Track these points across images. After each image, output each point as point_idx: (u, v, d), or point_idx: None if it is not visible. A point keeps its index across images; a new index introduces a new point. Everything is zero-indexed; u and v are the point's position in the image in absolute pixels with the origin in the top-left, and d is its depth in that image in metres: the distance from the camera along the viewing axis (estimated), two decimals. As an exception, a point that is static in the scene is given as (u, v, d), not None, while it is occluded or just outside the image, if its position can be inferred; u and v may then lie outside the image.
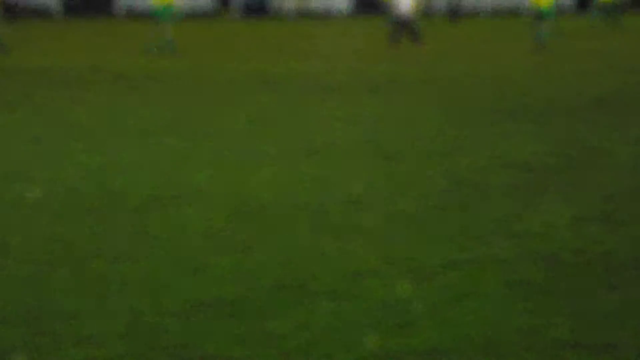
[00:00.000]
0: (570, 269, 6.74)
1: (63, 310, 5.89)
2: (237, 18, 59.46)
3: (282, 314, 5.85)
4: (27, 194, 8.97)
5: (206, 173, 9.95)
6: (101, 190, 9.17)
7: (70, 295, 6.17)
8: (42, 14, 53.32)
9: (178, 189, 9.26)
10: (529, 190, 9.17)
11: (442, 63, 24.29)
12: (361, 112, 14.77)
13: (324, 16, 58.04)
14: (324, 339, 5.37)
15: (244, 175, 9.88)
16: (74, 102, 16.10)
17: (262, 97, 16.70)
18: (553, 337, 5.38)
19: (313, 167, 10.35)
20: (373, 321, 5.74)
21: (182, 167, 10.37)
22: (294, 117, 14.23)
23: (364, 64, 24.02)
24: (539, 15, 27.83)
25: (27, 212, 8.40)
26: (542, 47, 26.96)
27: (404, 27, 27.65)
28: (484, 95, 16.88)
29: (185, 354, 5.11)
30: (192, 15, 55.51)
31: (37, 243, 7.39)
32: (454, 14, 47.28)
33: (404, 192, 9.13)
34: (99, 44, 32.14)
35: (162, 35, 26.02)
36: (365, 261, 6.92)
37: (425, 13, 49.79)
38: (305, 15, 51.06)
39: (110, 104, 15.93)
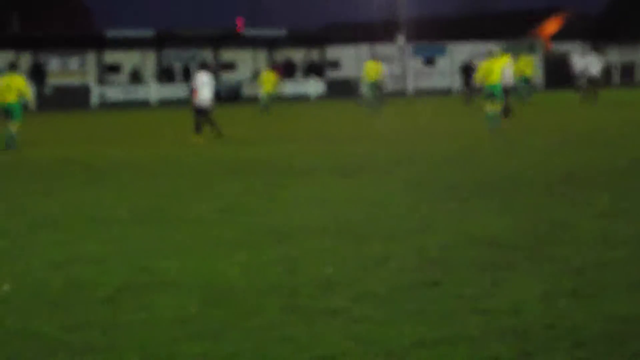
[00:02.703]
0: (540, 345, 6.76)
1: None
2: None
3: (252, 400, 5.83)
4: (-5, 289, 8.93)
5: (176, 260, 9.95)
6: (70, 282, 9.14)
7: (39, 389, 6.13)
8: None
9: (148, 277, 9.25)
10: (498, 266, 9.21)
11: (407, 143, 24.46)
12: (331, 194, 14.84)
13: (298, 100, 58.52)
14: (294, 423, 5.35)
15: (214, 262, 9.88)
16: (44, 194, 16.10)
17: (233, 184, 16.76)
18: (522, 413, 5.39)
19: (283, 251, 10.36)
20: (343, 404, 5.73)
21: (151, 255, 10.36)
22: (264, 202, 14.27)
23: (334, 146, 24.18)
24: (489, 95, 26.96)
25: (-4, 307, 8.36)
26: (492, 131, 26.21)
27: (202, 117, 27.67)
28: (450, 174, 17.00)
29: None
30: (169, 103, 55.72)
31: (6, 339, 7.34)
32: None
33: (374, 273, 9.15)
34: (71, 136, 32.24)
35: (7, 130, 25.95)
36: (336, 344, 6.91)
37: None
38: (279, 100, 51.31)
39: (79, 194, 15.93)
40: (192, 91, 28.21)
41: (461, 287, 8.46)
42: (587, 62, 42.59)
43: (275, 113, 43.08)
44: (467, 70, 47.84)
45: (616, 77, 72.49)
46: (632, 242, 10.14)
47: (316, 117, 41.09)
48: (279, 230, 11.68)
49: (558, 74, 50.71)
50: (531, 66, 45.64)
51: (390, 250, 10.17)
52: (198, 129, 27.56)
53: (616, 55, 76.82)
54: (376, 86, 42.22)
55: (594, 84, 41.75)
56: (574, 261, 9.33)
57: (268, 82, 44.63)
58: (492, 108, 26.78)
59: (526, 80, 45.10)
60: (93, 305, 8.26)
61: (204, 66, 28.97)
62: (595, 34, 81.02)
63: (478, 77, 27.36)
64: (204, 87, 27.62)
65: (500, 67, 27.07)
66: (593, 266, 9.09)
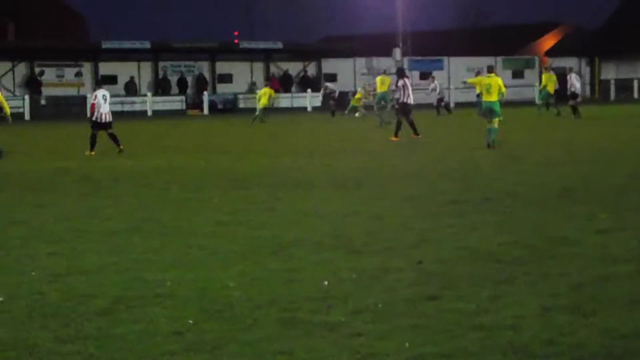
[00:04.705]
0: (540, 361, 6.70)
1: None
2: (207, 116, 59.79)
3: (249, 415, 5.75)
4: (-11, 299, 8.85)
5: (173, 272, 9.88)
6: (66, 294, 9.06)
7: (33, 402, 6.05)
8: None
9: (144, 289, 9.17)
10: (496, 281, 9.15)
11: (406, 157, 24.43)
12: (328, 207, 14.78)
13: (294, 112, 58.48)
14: None
15: (211, 274, 9.81)
16: (38, 205, 16.01)
17: (231, 195, 16.69)
18: None
19: (281, 264, 10.30)
20: (342, 419, 5.66)
21: (148, 267, 10.29)
22: (262, 214, 14.20)
23: (332, 159, 24.12)
24: (485, 113, 26.78)
25: (-10, 317, 8.28)
26: (491, 146, 25.80)
27: (100, 131, 27.86)
28: (449, 188, 16.95)
29: None
30: (164, 114, 55.72)
31: (0, 350, 7.26)
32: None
33: (372, 286, 9.09)
34: (67, 147, 32.14)
35: None
36: (334, 358, 6.84)
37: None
38: (276, 112, 51.43)
39: (76, 206, 15.85)
40: (91, 106, 28.57)
41: (460, 301, 8.39)
42: (571, 80, 43.89)
43: (271, 125, 43.04)
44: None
45: (612, 94, 72.56)
46: (632, 258, 10.08)
47: (313, 130, 41.04)
48: (276, 243, 11.61)
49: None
50: (553, 83, 46.59)
51: (388, 264, 10.10)
52: (93, 144, 27.63)
53: (613, 72, 76.90)
54: (382, 98, 42.87)
55: (575, 99, 43.36)
56: (574, 277, 9.26)
57: (264, 97, 45.86)
58: (494, 123, 26.53)
59: (549, 96, 46.23)
60: (88, 317, 8.18)
61: (100, 83, 30.02)
62: (592, 50, 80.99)
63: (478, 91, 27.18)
64: (103, 103, 27.94)
65: (498, 84, 26.88)
66: (593, 282, 9.03)
